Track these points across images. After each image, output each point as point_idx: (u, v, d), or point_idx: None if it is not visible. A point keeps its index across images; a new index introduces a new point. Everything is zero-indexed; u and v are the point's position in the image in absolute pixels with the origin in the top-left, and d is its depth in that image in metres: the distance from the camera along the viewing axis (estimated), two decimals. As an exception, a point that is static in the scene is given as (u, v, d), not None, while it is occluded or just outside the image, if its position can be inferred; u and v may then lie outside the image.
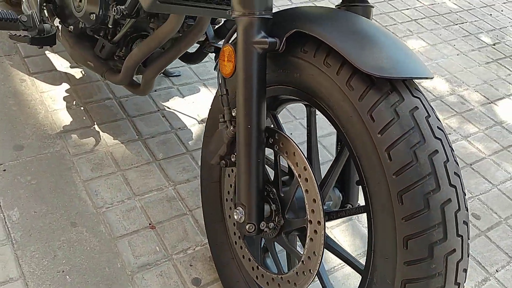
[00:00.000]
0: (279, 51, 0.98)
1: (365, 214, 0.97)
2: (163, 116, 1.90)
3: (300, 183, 0.99)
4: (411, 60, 0.87)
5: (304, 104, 1.11)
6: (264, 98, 1.01)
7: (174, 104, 1.98)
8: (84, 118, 1.80)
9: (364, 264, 0.96)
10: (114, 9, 1.30)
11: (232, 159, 1.09)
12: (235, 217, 1.04)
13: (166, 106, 1.95)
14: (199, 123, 1.91)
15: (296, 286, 1.03)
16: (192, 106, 1.99)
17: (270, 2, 0.97)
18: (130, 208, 1.52)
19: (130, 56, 1.40)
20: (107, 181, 1.59)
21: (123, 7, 1.30)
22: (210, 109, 1.29)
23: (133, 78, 1.51)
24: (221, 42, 1.49)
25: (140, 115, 1.88)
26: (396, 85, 0.85)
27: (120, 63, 1.55)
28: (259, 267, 1.14)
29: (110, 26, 1.39)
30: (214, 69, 1.27)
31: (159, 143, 1.78)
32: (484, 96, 2.48)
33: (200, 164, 1.49)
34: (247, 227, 1.02)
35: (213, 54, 1.61)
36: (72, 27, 1.50)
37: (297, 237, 1.17)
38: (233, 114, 1.07)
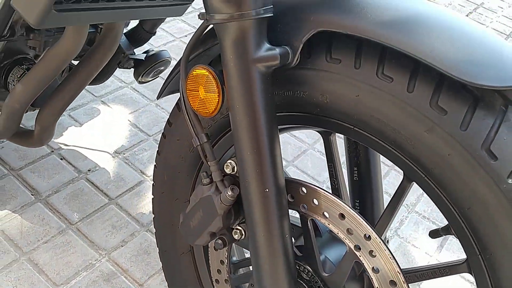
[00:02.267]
0: (291, 65, 0.62)
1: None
2: (61, 159, 1.40)
3: (361, 258, 0.65)
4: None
5: (319, 131, 0.76)
6: (278, 139, 0.65)
7: (71, 137, 1.48)
8: None
9: None
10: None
11: (234, 236, 0.72)
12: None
13: (61, 144, 1.45)
14: (113, 156, 1.45)
15: None
16: (96, 134, 1.51)
17: (268, -10, 0.60)
18: (56, 308, 1.06)
19: (12, 97, 0.91)
20: (10, 276, 1.09)
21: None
22: (159, 159, 0.88)
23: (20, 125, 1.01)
24: (139, 53, 1.06)
25: (29, 164, 1.36)
26: (508, 96, 0.55)
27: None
28: None
29: (-34, 57, 0.89)
30: (158, 98, 0.86)
31: (68, 199, 1.29)
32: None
33: (154, 228, 1.08)
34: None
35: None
36: None
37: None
38: (227, 170, 0.69)
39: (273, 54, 0.60)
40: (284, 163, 1.55)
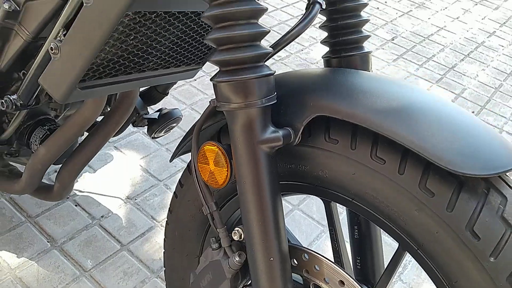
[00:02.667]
0: (293, 144, 0.69)
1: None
2: (76, 205, 1.47)
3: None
4: (501, 143, 0.62)
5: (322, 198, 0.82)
6: (281, 209, 0.70)
7: (85, 183, 1.55)
8: (-33, 236, 1.31)
9: None
10: (1, 102, 0.88)
11: (241, 298, 0.77)
12: None
13: (76, 190, 1.52)
14: (125, 202, 1.51)
15: None
16: (109, 180, 1.57)
17: (272, 82, 0.66)
18: None
19: (35, 158, 0.98)
20: (26, 324, 1.15)
21: (15, 97, 0.89)
22: (171, 217, 0.94)
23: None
24: (154, 112, 1.13)
25: (45, 211, 1.43)
26: (491, 180, 0.61)
27: (14, 160, 1.11)
28: None
29: (-6, 121, 0.96)
30: (171, 161, 0.92)
31: (82, 246, 1.35)
32: (405, 97, 2.40)
33: (164, 279, 1.13)
34: None
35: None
36: None
37: None
38: (234, 237, 0.75)
39: (277, 137, 0.66)
40: (289, 207, 1.60)
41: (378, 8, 3.29)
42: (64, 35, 0.77)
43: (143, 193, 1.56)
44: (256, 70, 0.63)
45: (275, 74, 0.68)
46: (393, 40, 2.92)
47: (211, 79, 0.67)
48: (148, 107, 1.15)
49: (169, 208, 0.95)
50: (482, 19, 3.46)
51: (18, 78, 0.94)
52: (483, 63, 2.87)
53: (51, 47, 0.76)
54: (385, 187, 0.64)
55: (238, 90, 0.63)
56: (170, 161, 0.90)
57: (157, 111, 1.16)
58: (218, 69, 0.66)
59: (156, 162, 1.69)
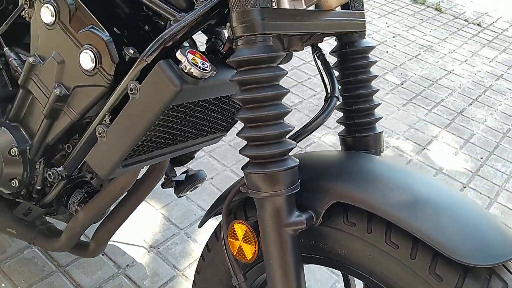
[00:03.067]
0: (315, 225, 0.77)
1: None
2: (103, 254, 1.55)
3: None
4: (503, 233, 0.70)
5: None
6: (304, 280, 0.78)
7: (110, 231, 1.63)
8: (2, 285, 1.39)
9: None
10: (49, 174, 0.98)
11: None
12: None
13: (102, 238, 1.60)
14: (148, 251, 1.59)
15: None
16: (133, 229, 1.66)
17: (296, 172, 0.75)
18: None
19: (74, 221, 1.07)
20: None
21: (60, 168, 0.98)
22: (198, 278, 1.02)
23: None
24: (180, 174, 1.22)
25: (75, 260, 1.51)
26: (493, 268, 0.68)
27: (55, 218, 1.20)
28: None
29: (39, 188, 1.06)
30: (200, 227, 1.01)
31: (109, 295, 1.43)
32: (415, 142, 2.48)
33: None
34: None
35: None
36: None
37: None
38: (260, 305, 0.83)
39: (301, 220, 0.74)
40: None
41: (387, 52, 3.40)
42: (110, 119, 0.87)
43: (165, 242, 1.64)
44: (282, 163, 0.72)
45: (297, 153, 0.77)
46: (402, 84, 3.02)
47: (242, 168, 0.76)
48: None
49: (196, 269, 1.03)
50: (490, 61, 3.56)
51: (62, 149, 1.03)
52: (491, 107, 2.95)
53: (99, 132, 0.86)
54: (399, 269, 0.71)
55: (266, 181, 0.72)
56: (199, 227, 0.99)
57: (183, 172, 1.25)
58: (248, 160, 0.75)
59: (177, 210, 1.77)
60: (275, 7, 0.73)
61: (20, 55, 1.03)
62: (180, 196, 1.28)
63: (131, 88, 0.80)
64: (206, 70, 0.78)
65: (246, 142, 0.74)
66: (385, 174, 0.76)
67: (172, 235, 1.67)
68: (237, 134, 0.75)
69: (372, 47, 0.92)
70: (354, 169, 0.79)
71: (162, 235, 1.67)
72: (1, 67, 1.05)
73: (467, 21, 4.19)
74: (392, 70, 3.16)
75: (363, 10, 0.92)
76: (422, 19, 4.06)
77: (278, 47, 0.83)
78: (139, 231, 1.66)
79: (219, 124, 1.07)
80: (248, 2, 0.69)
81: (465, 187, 2.21)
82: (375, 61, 0.93)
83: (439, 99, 2.93)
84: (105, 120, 0.88)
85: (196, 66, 0.77)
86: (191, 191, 1.28)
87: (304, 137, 0.82)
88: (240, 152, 0.75)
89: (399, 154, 2.36)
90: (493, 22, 4.30)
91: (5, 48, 1.03)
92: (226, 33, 0.78)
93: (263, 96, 0.70)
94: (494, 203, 2.14)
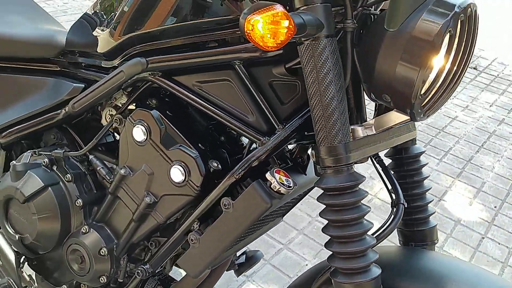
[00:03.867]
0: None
1: None
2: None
3: None
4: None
5: None
6: None
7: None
8: None
9: None
10: (137, 272, 1.08)
11: None
12: None
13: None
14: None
15: None
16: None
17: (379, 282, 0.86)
18: None
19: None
20: None
21: (147, 266, 1.09)
22: None
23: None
24: (240, 255, 1.33)
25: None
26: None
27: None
28: None
29: (121, 281, 1.16)
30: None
31: None
32: (431, 193, 2.60)
33: None
34: None
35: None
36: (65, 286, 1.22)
37: None
38: None
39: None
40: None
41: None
42: (198, 225, 0.99)
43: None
44: (367, 274, 0.84)
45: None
46: (412, 134, 3.17)
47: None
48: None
49: None
50: (490, 106, 3.73)
51: (143, 245, 1.14)
52: (497, 153, 3.10)
53: (191, 239, 0.97)
54: None
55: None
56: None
57: (242, 253, 1.36)
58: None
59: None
60: (352, 140, 0.86)
61: (105, 162, 1.15)
62: (238, 275, 1.38)
63: (224, 204, 0.92)
64: (290, 187, 0.91)
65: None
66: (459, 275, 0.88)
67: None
68: (325, 246, 0.87)
69: (423, 152, 1.05)
70: (423, 268, 0.91)
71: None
72: (86, 172, 1.16)
73: (464, 65, 4.39)
74: (400, 120, 3.31)
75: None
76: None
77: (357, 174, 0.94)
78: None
79: (281, 214, 1.19)
80: (335, 138, 0.81)
81: (483, 237, 2.33)
82: (426, 164, 1.06)
83: (448, 148, 3.07)
84: (194, 227, 1.00)
85: (283, 185, 0.90)
86: (248, 270, 1.39)
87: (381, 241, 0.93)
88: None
89: (417, 207, 2.49)
90: (489, 65, 4.51)
91: (91, 157, 1.15)
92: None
93: (348, 218, 0.83)
94: (512, 252, 2.26)
